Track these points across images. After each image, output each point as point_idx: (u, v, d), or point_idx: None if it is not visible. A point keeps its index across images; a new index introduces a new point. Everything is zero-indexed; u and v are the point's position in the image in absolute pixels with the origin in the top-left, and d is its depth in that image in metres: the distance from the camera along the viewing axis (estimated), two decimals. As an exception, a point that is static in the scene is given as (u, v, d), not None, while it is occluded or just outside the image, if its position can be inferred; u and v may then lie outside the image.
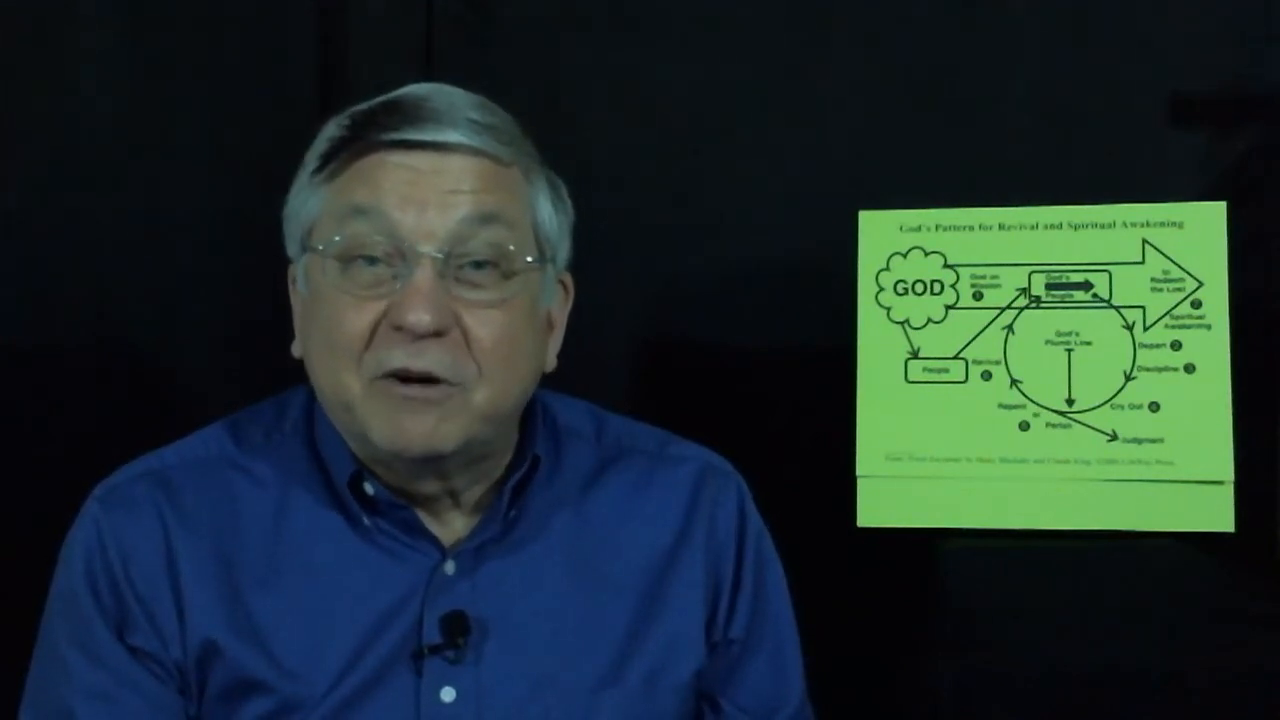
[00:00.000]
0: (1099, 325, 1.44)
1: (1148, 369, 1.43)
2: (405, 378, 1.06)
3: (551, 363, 1.18)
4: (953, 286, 1.48)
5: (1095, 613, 1.38)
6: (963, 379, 1.46)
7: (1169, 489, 1.41)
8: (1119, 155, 1.55)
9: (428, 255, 1.06)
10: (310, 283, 1.12)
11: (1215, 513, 1.40)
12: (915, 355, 1.47)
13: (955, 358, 1.46)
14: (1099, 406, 1.43)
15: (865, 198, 1.51)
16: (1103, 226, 1.46)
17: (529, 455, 1.16)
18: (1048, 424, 1.44)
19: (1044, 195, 1.48)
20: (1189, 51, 1.54)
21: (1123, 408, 1.42)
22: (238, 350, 1.59)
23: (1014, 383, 1.45)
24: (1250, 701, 1.30)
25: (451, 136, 1.08)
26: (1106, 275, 1.45)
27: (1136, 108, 1.55)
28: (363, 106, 1.12)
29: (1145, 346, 1.43)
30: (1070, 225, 1.46)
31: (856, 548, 1.46)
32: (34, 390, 1.60)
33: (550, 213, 1.15)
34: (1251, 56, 1.54)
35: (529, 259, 1.11)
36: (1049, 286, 1.45)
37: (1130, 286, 1.44)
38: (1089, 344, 1.44)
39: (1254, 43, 1.53)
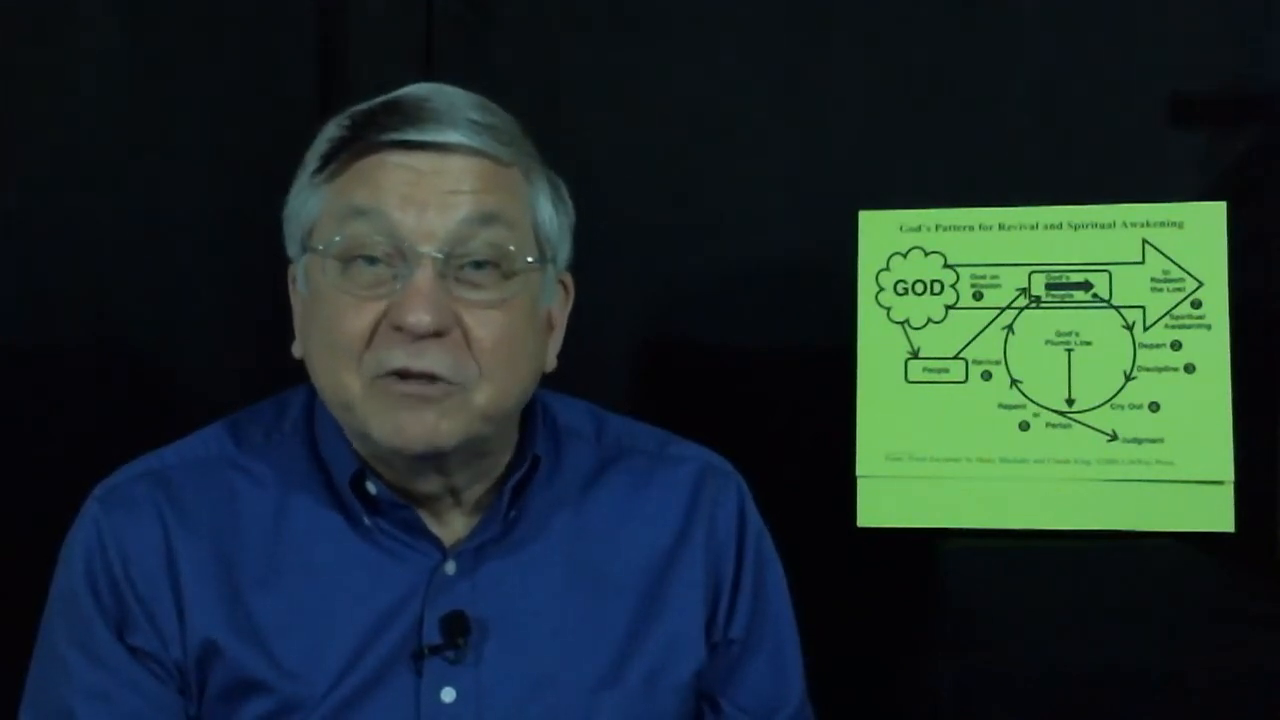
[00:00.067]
0: (1099, 325, 1.44)
1: (1148, 369, 1.43)
2: (405, 375, 1.06)
3: (551, 363, 1.18)
4: (953, 286, 1.48)
5: (1095, 613, 1.38)
6: (963, 379, 1.46)
7: (1169, 489, 1.41)
8: (1119, 155, 1.55)
9: (428, 255, 1.06)
10: (310, 283, 1.12)
11: (1215, 513, 1.40)
12: (915, 355, 1.47)
13: (955, 358, 1.46)
14: (1099, 406, 1.43)
15: (865, 198, 1.51)
16: (1103, 226, 1.46)
17: (529, 455, 1.16)
18: (1048, 424, 1.44)
19: (1044, 195, 1.48)
20: (1189, 51, 1.54)
21: (1123, 408, 1.42)
22: (238, 350, 1.59)
23: (1014, 383, 1.45)
24: (1250, 701, 1.30)
25: (452, 137, 1.08)
26: (1106, 275, 1.45)
27: (1136, 108, 1.55)
28: (363, 106, 1.12)
29: (1145, 346, 1.43)
30: (1070, 225, 1.46)
31: (856, 548, 1.46)
32: (34, 390, 1.60)
33: (550, 213, 1.15)
34: (1251, 56, 1.54)
35: (529, 259, 1.11)
36: (1049, 286, 1.45)
37: (1130, 286, 1.44)
38: (1089, 344, 1.44)
39: (1254, 43, 1.53)
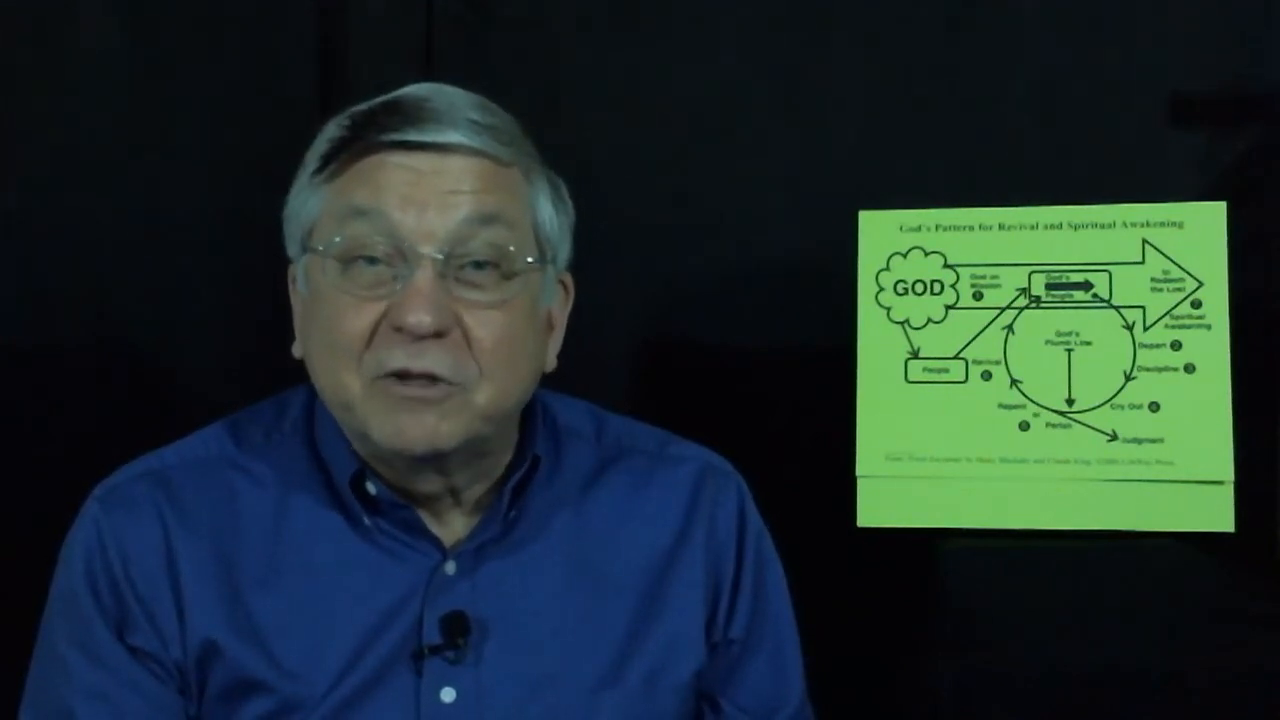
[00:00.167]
0: (1099, 325, 1.44)
1: (1148, 369, 1.43)
2: (405, 375, 1.06)
3: (551, 363, 1.18)
4: (953, 286, 1.48)
5: (1095, 613, 1.38)
6: (963, 379, 1.46)
7: (1169, 489, 1.41)
8: (1119, 155, 1.55)
9: (428, 256, 1.06)
10: (310, 283, 1.12)
11: (1215, 513, 1.40)
12: (915, 355, 1.47)
13: (955, 358, 1.46)
14: (1099, 406, 1.43)
15: (865, 198, 1.51)
16: (1103, 226, 1.46)
17: (529, 455, 1.16)
18: (1048, 424, 1.44)
19: (1044, 195, 1.48)
20: (1189, 51, 1.54)
21: (1123, 408, 1.42)
22: (238, 350, 1.59)
23: (1014, 383, 1.45)
24: (1250, 701, 1.30)
25: (452, 137, 1.08)
26: (1106, 275, 1.45)
27: (1136, 108, 1.55)
28: (363, 107, 1.12)
29: (1145, 346, 1.43)
30: (1070, 225, 1.46)
31: (856, 548, 1.46)
32: (34, 390, 1.60)
33: (550, 213, 1.15)
34: (1251, 56, 1.54)
35: (529, 259, 1.11)
36: (1049, 286, 1.45)
37: (1130, 286, 1.44)
38: (1089, 344, 1.44)
39: (1254, 43, 1.54)
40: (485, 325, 1.08)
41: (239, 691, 1.10)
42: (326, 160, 1.10)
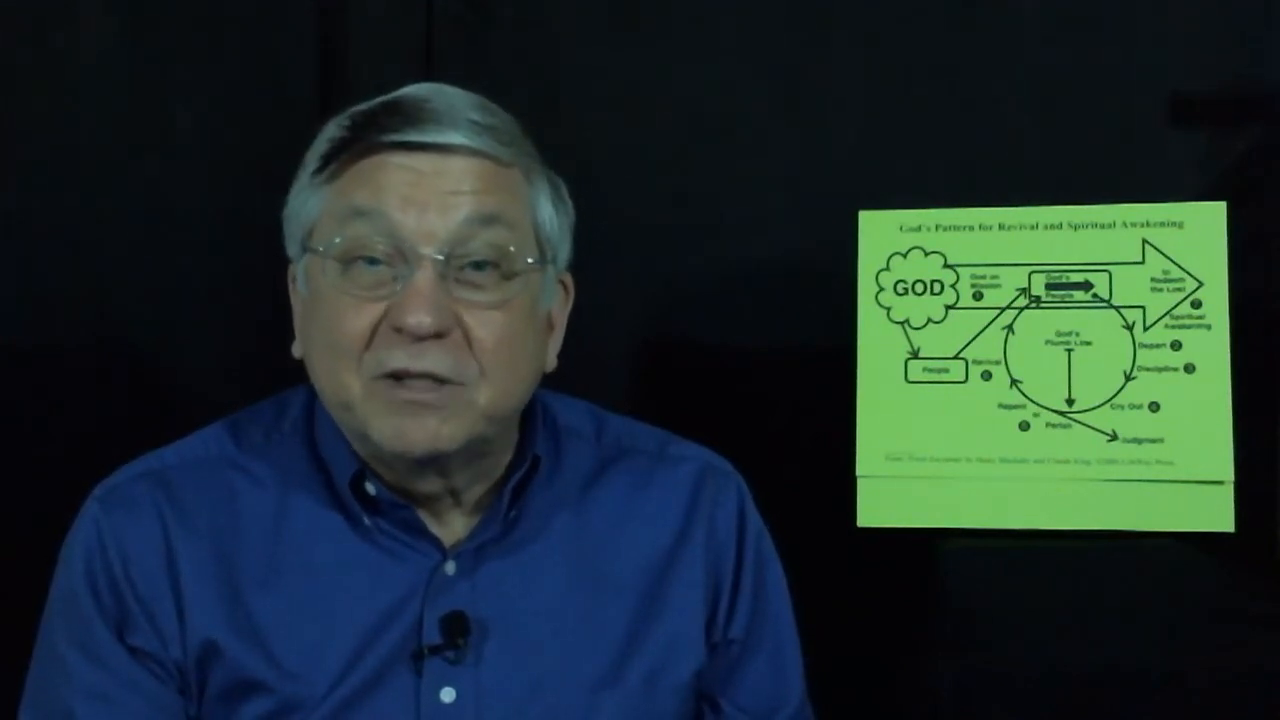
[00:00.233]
0: (1099, 325, 1.44)
1: (1148, 369, 1.43)
2: (405, 376, 1.06)
3: (552, 363, 1.18)
4: (953, 286, 1.48)
5: (1095, 613, 1.38)
6: (963, 379, 1.46)
7: (1169, 489, 1.41)
8: (1119, 155, 1.55)
9: (428, 257, 1.06)
10: (310, 283, 1.12)
11: (1215, 513, 1.40)
12: (915, 355, 1.47)
13: (955, 358, 1.47)
14: (1099, 406, 1.43)
15: (865, 198, 1.51)
16: (1103, 226, 1.46)
17: (529, 455, 1.16)
18: (1048, 424, 1.44)
19: (1044, 195, 1.48)
20: (1189, 51, 1.54)
21: (1123, 408, 1.43)
22: (238, 350, 1.59)
23: (1014, 383, 1.45)
24: (1250, 701, 1.31)
25: (452, 138, 1.08)
26: (1106, 275, 1.45)
27: (1136, 108, 1.55)
28: (363, 107, 1.12)
29: (1145, 346, 1.43)
30: (1070, 225, 1.46)
31: (856, 548, 1.46)
32: (34, 390, 1.60)
33: (551, 213, 1.15)
34: (1251, 56, 1.54)
35: (530, 260, 1.11)
36: (1049, 286, 1.46)
37: (1130, 286, 1.44)
38: (1089, 344, 1.44)
39: (1254, 43, 1.53)
40: (486, 325, 1.08)
41: (239, 692, 1.10)
42: (327, 160, 1.10)
